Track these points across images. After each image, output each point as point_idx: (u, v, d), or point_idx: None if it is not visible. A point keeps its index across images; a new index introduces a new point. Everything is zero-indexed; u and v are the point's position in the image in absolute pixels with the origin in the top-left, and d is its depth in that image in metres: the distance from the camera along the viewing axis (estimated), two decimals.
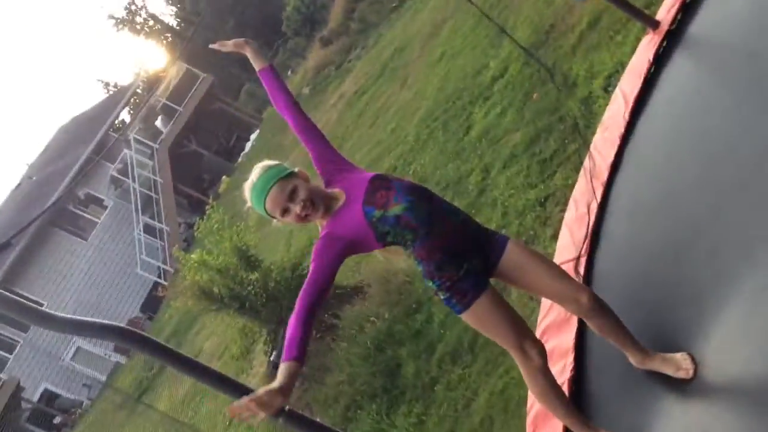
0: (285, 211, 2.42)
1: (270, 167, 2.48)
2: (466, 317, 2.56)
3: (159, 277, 20.04)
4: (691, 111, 3.34)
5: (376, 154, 9.91)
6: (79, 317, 2.50)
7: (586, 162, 3.81)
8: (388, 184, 2.47)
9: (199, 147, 24.45)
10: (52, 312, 2.53)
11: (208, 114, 24.44)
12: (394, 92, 12.47)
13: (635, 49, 4.49)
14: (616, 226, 3.51)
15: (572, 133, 5.36)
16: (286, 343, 2.18)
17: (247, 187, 2.49)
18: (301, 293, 2.28)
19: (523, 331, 2.62)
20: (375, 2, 19.51)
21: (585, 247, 3.53)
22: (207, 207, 7.84)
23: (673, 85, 3.63)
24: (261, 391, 2.02)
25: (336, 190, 2.54)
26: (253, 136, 23.63)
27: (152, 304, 20.17)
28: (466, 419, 4.51)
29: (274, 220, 2.49)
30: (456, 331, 5.38)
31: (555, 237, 4.43)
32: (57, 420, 20.51)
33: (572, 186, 4.50)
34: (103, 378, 20.11)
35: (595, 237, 3.55)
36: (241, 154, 23.35)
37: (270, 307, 7.34)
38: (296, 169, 2.52)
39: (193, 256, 7.36)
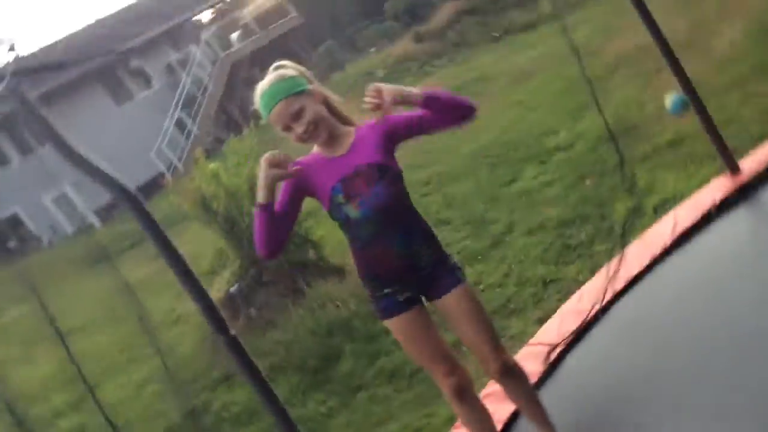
0: (286, 128, 2.39)
1: (284, 78, 2.39)
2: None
3: (168, 170, 20.12)
4: (733, 274, 3.29)
5: (417, 161, 9.93)
6: (96, 162, 2.51)
7: (613, 265, 3.81)
8: (372, 184, 2.38)
9: (260, 77, 24.46)
10: (72, 144, 2.54)
11: (281, 50, 24.48)
12: None
13: (702, 184, 4.49)
14: (606, 336, 3.50)
15: (606, 235, 5.38)
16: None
17: (259, 89, 2.42)
18: None
19: (436, 359, 2.53)
20: (481, 23, 19.53)
21: (568, 339, 3.52)
22: (245, 129, 7.86)
23: (726, 237, 3.62)
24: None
25: (351, 129, 2.48)
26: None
27: (148, 190, 20.18)
28: None
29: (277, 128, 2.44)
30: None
31: (540, 321, 4.44)
32: (11, 245, 20.65)
33: (581, 282, 4.48)
34: (70, 230, 20.21)
35: (581, 335, 3.54)
36: None
37: (245, 242, 7.39)
38: (310, 87, 2.41)
39: (211, 165, 7.38)
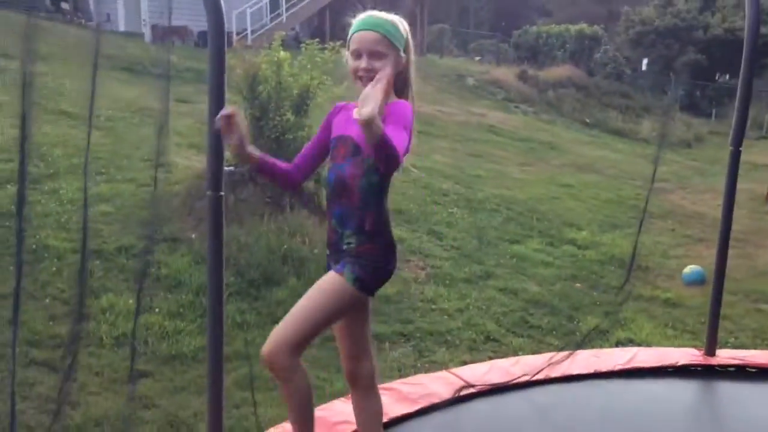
0: (356, 54, 2.35)
1: (393, 23, 2.38)
2: None
3: (238, 33, 20.10)
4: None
5: (448, 171, 9.99)
6: None
7: (559, 356, 3.87)
8: (347, 156, 2.39)
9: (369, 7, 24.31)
10: None
11: (408, 5, 24.34)
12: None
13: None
14: (515, 405, 3.56)
15: (564, 335, 5.46)
16: None
17: (365, 14, 2.40)
18: None
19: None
20: (581, 102, 19.54)
21: (484, 387, 3.60)
22: (330, 44, 7.86)
23: (670, 398, 3.71)
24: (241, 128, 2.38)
25: (394, 100, 2.37)
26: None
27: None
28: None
29: (346, 53, 2.42)
30: None
31: (464, 363, 4.51)
32: (65, 5, 20.59)
33: (518, 349, 4.55)
34: (122, 28, 20.13)
35: (496, 391, 3.60)
36: None
37: (263, 140, 7.42)
38: (402, 52, 2.38)
39: (282, 52, 7.38)
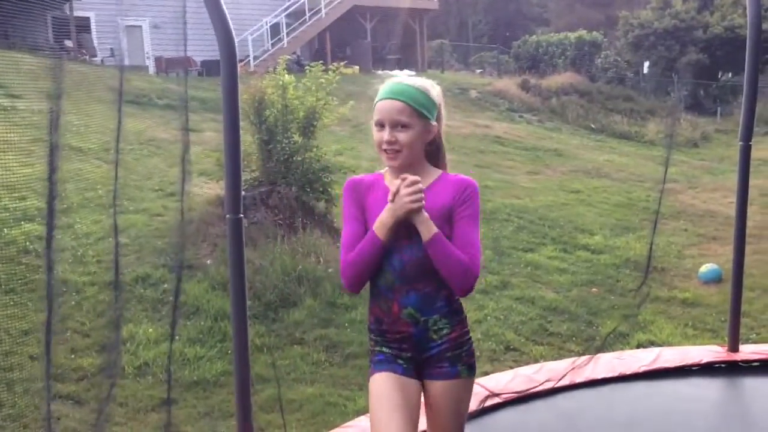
0: (380, 125, 2.14)
1: (425, 92, 2.16)
2: None
3: (241, 60, 20.29)
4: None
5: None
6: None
7: (582, 360, 3.87)
8: (416, 236, 2.10)
9: (374, 30, 24.48)
10: None
11: (401, 19, 24.45)
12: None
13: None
14: (541, 412, 3.55)
15: (583, 340, 5.44)
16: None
17: (398, 76, 2.21)
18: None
19: None
20: (585, 108, 19.56)
21: (509, 396, 3.59)
22: (333, 65, 7.94)
23: (697, 396, 3.69)
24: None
25: (435, 172, 2.21)
26: (406, 72, 23.71)
27: (210, 65, 20.30)
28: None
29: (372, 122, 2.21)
30: (353, 335, 5.50)
31: (486, 373, 4.50)
32: (68, 43, 20.78)
33: (539, 357, 4.55)
34: (127, 62, 20.37)
35: (522, 400, 3.61)
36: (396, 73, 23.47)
37: (272, 164, 7.49)
38: (434, 122, 2.18)
39: (287, 76, 7.47)
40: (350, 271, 2.10)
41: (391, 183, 2.14)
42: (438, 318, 2.14)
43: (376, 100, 2.17)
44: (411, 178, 2.04)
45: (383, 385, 2.13)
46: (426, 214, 2.07)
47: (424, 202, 2.06)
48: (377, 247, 2.08)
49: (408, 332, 2.14)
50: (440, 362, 2.15)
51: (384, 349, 2.17)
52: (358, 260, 2.09)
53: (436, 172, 2.21)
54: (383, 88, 2.17)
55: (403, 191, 2.04)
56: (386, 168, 2.22)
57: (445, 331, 2.14)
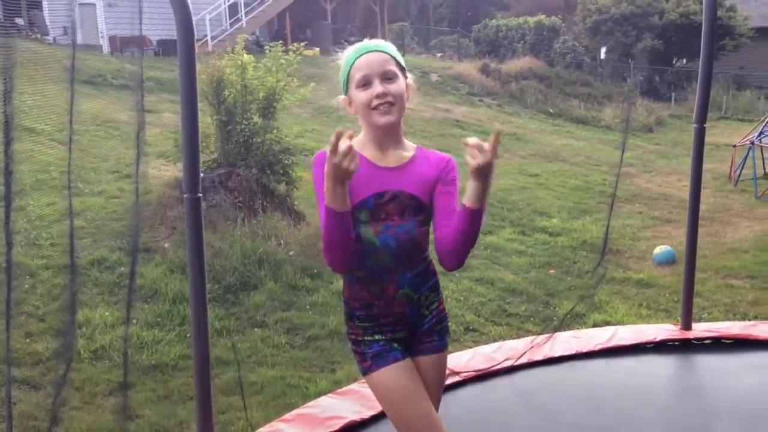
0: (366, 81, 2.00)
1: (392, 47, 2.08)
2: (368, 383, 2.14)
3: (198, 40, 19.96)
4: (641, 407, 3.45)
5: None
6: None
7: (540, 339, 3.94)
8: (406, 216, 2.02)
9: (331, 11, 24.31)
10: None
11: (368, 5, 24.38)
12: None
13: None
14: (500, 389, 3.60)
15: (541, 321, 5.53)
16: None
17: (357, 44, 2.09)
18: None
19: (434, 426, 2.05)
20: (543, 93, 19.76)
21: (468, 375, 3.64)
22: (293, 46, 7.85)
23: (651, 373, 3.79)
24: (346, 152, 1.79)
25: (409, 145, 2.11)
26: None
27: (167, 45, 19.97)
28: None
29: (340, 97, 2.10)
30: (312, 317, 5.50)
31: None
32: (18, 21, 20.20)
33: (498, 338, 4.62)
34: (80, 41, 19.91)
35: (481, 378, 3.66)
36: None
37: (231, 145, 7.40)
38: (410, 77, 2.09)
39: (246, 56, 7.36)
40: (326, 252, 1.97)
41: (372, 155, 2.05)
42: (428, 293, 2.10)
43: (351, 60, 2.04)
44: (340, 130, 1.79)
45: (399, 379, 2.06)
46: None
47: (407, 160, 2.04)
48: (335, 217, 1.86)
49: (402, 312, 2.08)
50: (431, 336, 2.13)
51: (377, 337, 2.09)
52: (324, 239, 1.93)
53: (412, 146, 2.14)
54: (355, 49, 2.06)
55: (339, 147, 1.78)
56: (359, 137, 2.07)
57: (434, 305, 2.12)
